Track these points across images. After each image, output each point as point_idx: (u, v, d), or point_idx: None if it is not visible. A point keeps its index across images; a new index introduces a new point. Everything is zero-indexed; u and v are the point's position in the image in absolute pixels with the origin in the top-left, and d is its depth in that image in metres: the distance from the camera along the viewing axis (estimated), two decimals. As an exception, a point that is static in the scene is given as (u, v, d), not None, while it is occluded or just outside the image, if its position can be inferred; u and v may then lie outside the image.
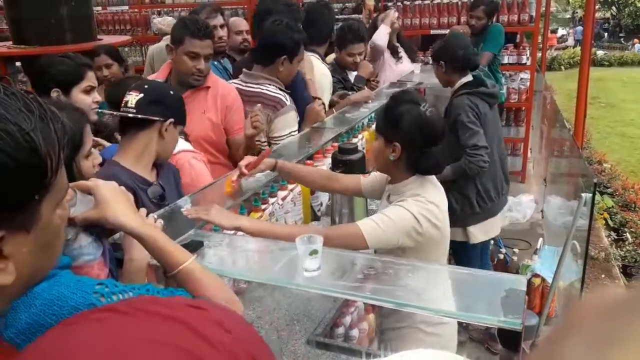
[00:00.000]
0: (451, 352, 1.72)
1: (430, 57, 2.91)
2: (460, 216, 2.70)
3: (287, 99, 2.43)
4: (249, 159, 1.82)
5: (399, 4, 4.92)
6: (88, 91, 1.96)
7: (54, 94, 1.89)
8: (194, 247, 1.33)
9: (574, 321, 0.28)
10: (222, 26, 3.12)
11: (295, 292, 1.74)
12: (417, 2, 4.97)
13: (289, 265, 1.21)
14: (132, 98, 1.64)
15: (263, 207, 1.97)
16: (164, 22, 4.22)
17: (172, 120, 1.64)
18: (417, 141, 1.63)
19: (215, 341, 0.41)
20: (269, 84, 2.45)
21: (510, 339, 0.98)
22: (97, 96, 2.00)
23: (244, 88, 2.48)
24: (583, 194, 2.35)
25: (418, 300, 1.05)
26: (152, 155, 1.66)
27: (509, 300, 1.00)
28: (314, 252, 1.13)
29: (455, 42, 2.83)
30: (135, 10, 6.00)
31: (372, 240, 1.56)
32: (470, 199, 2.75)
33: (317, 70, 2.88)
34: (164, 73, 2.42)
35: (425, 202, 1.65)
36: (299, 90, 2.59)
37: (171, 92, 1.69)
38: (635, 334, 0.24)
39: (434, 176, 1.76)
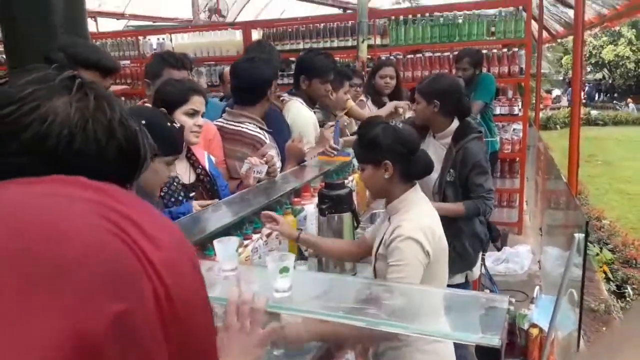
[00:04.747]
0: None
1: (417, 91, 2.77)
2: (470, 257, 2.66)
3: (266, 137, 2.44)
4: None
5: (392, 57, 5.06)
6: (191, 114, 2.06)
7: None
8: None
9: None
10: None
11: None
12: (409, 56, 5.12)
13: (261, 287, 1.15)
14: None
15: (246, 242, 1.90)
16: None
17: None
18: (403, 151, 1.77)
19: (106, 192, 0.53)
20: (249, 122, 2.46)
21: (489, 357, 0.91)
22: (199, 120, 2.09)
23: (225, 125, 2.49)
24: (576, 235, 2.29)
25: (394, 319, 0.99)
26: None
27: (488, 318, 0.94)
28: (284, 270, 1.07)
29: (453, 84, 2.78)
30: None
31: None
32: (480, 237, 2.70)
33: (299, 114, 2.88)
34: None
35: (419, 219, 1.76)
36: (278, 132, 2.58)
37: (142, 122, 1.63)
38: None
39: (424, 195, 1.91)
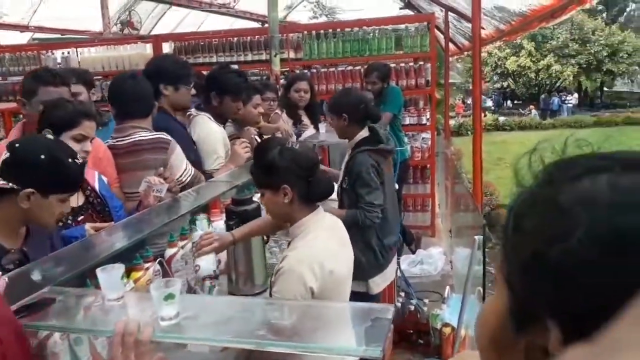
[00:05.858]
0: None
1: (328, 109, 2.94)
2: (364, 268, 2.69)
3: (166, 135, 2.38)
4: None
5: (305, 71, 5.12)
6: (79, 140, 1.95)
7: (46, 133, 1.79)
8: (44, 304, 1.19)
9: None
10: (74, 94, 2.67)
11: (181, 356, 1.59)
12: (323, 70, 5.21)
13: (152, 315, 1.10)
14: (2, 157, 1.52)
15: (146, 265, 1.83)
16: None
17: (30, 191, 1.47)
18: (301, 173, 1.70)
19: None
20: (140, 130, 2.37)
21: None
22: (87, 146, 1.97)
23: (117, 144, 2.38)
24: (476, 237, 2.44)
25: (281, 339, 0.98)
26: (18, 222, 1.56)
27: (373, 329, 0.96)
28: (169, 297, 1.04)
29: (357, 96, 2.95)
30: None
31: None
32: (374, 250, 2.78)
33: (209, 129, 2.85)
34: (18, 132, 2.30)
35: (310, 250, 1.66)
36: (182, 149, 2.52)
37: (42, 157, 1.50)
38: None
39: (327, 213, 1.85)
